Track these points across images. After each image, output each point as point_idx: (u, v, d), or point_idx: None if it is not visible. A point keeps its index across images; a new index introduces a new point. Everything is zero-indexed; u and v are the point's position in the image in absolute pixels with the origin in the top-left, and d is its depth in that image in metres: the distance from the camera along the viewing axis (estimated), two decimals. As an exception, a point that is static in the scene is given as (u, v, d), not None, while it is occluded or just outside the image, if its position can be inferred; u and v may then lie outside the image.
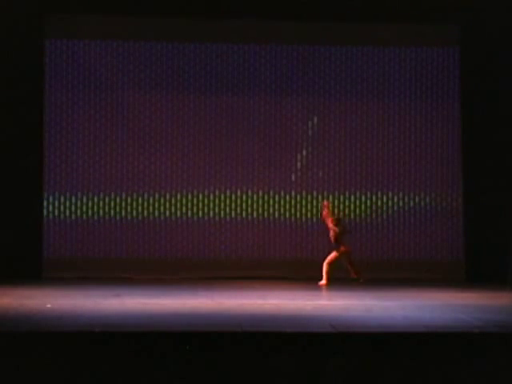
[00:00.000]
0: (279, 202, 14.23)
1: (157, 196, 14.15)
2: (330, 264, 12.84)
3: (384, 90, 14.43)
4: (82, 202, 14.00)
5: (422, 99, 14.49)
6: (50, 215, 13.88)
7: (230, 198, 14.23)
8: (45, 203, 13.87)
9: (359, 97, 14.39)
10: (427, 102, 14.52)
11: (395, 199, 14.35)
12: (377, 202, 14.31)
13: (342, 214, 13.89)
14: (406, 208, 14.38)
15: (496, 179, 13.90)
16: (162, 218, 14.11)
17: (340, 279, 13.21)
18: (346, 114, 14.41)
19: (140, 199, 14.12)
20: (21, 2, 13.46)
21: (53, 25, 13.96)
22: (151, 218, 14.08)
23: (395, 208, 14.34)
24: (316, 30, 14.23)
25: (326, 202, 13.45)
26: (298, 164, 14.36)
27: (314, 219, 14.11)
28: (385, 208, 14.34)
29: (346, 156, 14.42)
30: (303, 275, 13.44)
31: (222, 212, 14.21)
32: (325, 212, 13.16)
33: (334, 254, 12.86)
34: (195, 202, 14.17)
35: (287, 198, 14.29)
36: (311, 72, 14.41)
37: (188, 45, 14.33)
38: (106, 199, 14.08)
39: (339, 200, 14.28)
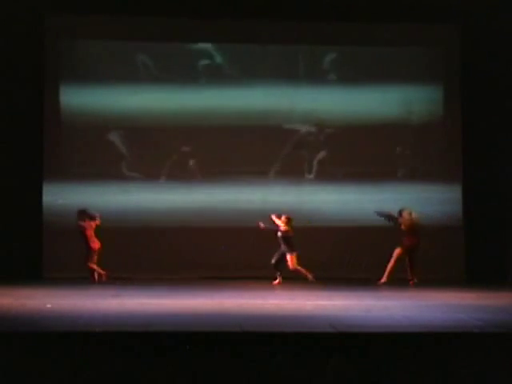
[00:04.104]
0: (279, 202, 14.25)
1: (157, 195, 14.17)
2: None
3: (383, 91, 14.44)
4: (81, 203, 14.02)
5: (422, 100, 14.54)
6: (51, 215, 13.85)
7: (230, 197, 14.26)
8: (45, 203, 13.86)
9: (358, 97, 14.41)
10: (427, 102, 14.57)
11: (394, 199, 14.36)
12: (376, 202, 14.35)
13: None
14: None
15: (496, 179, 13.92)
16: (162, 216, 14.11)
17: (341, 279, 13.25)
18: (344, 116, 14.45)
19: (139, 198, 14.13)
20: (21, 1, 13.46)
21: (53, 25, 13.97)
22: (152, 217, 14.09)
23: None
24: (316, 30, 14.23)
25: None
26: (300, 162, 14.43)
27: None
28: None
29: (345, 156, 14.46)
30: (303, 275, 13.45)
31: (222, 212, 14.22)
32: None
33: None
34: (194, 201, 14.18)
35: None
36: (311, 72, 14.45)
37: (189, 44, 14.37)
38: (106, 200, 14.09)
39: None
